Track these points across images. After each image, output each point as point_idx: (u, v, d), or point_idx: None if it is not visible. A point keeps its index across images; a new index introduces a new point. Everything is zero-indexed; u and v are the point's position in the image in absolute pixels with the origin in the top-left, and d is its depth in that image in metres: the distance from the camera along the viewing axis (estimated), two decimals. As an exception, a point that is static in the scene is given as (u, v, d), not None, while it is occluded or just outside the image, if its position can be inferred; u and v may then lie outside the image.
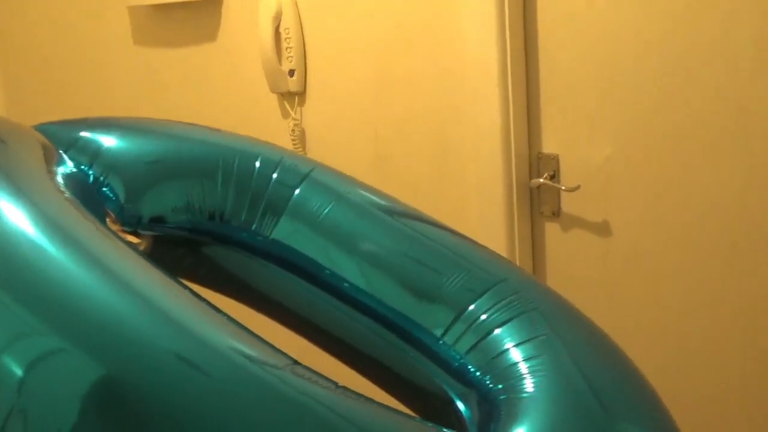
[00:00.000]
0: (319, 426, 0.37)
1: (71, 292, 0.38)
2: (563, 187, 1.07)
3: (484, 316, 0.55)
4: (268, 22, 1.24)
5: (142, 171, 0.61)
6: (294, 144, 1.33)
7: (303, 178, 0.64)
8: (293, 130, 1.33)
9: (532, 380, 0.49)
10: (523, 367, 0.51)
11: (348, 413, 0.38)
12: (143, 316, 0.38)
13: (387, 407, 0.42)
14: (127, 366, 0.35)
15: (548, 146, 1.09)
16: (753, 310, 0.94)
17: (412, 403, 0.65)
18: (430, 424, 0.45)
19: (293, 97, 1.32)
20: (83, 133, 0.62)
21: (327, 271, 0.62)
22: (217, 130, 0.71)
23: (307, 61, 1.29)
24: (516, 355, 0.52)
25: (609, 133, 1.02)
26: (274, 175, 0.63)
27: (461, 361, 0.55)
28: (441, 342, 0.57)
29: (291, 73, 1.28)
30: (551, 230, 1.12)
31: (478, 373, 0.53)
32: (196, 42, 1.46)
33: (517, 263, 1.07)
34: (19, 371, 0.35)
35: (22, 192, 0.45)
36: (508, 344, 0.53)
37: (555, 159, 1.08)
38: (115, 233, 0.49)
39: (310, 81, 1.30)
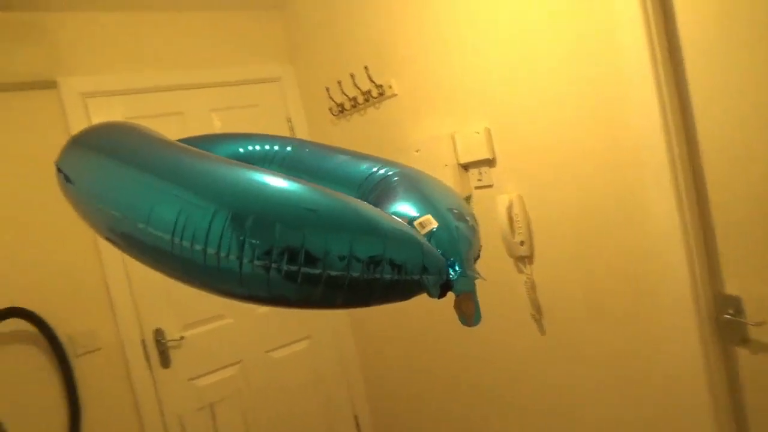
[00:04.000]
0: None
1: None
2: (750, 322, 1.35)
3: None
4: (504, 211, 1.82)
5: None
6: (528, 292, 1.84)
7: None
8: (526, 282, 1.84)
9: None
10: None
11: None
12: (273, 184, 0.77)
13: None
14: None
15: (730, 287, 1.40)
16: None
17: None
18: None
19: (524, 260, 1.85)
20: None
21: None
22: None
23: (532, 234, 1.81)
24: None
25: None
26: None
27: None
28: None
29: (521, 243, 1.82)
30: (741, 356, 1.39)
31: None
32: (454, 224, 2.12)
33: (711, 387, 1.37)
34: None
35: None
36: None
37: (737, 299, 1.38)
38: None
39: (535, 247, 1.81)
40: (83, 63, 2.35)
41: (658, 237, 1.46)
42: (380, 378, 2.84)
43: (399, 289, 0.75)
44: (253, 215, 0.71)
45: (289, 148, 1.18)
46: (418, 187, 0.97)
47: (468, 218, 0.91)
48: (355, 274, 0.71)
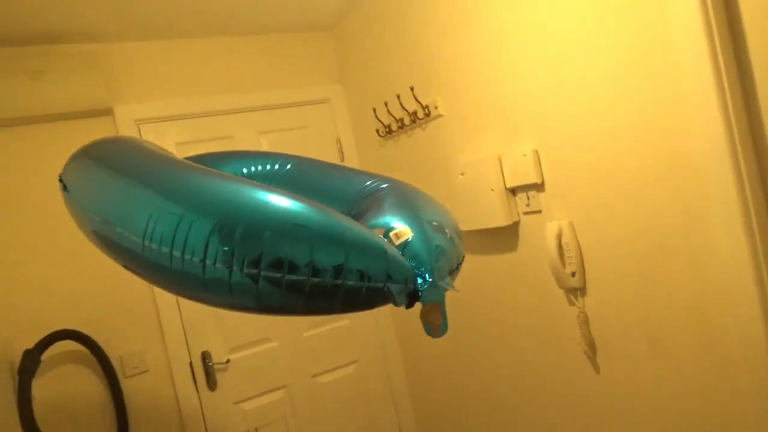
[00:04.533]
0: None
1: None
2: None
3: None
4: (553, 239, 1.70)
5: None
6: (580, 327, 1.70)
7: None
8: (579, 316, 1.71)
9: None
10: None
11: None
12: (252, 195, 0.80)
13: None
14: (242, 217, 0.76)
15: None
16: None
17: None
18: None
19: (576, 291, 1.72)
20: None
21: None
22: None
23: (585, 264, 1.68)
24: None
25: None
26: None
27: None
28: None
29: (573, 273, 1.69)
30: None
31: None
32: (503, 252, 2.01)
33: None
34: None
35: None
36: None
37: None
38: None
39: (588, 278, 1.68)
40: (136, 90, 2.43)
41: (725, 264, 1.30)
42: (428, 403, 2.74)
43: (363, 296, 0.76)
44: (224, 223, 0.75)
45: (288, 166, 1.25)
46: (403, 200, 1.00)
47: (448, 231, 0.92)
48: (316, 280, 0.73)
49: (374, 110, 2.58)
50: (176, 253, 0.75)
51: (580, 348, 1.75)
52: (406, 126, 2.40)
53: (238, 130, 2.62)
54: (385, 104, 2.49)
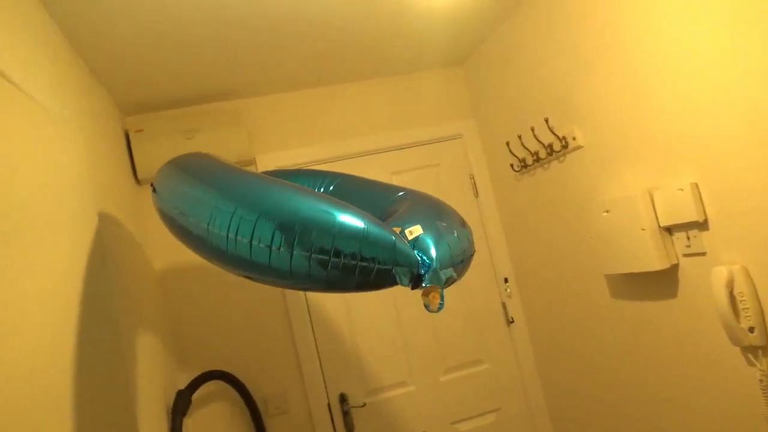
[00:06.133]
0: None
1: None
2: None
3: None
4: (722, 287, 1.45)
5: None
6: (764, 392, 1.41)
7: None
8: (761, 381, 1.42)
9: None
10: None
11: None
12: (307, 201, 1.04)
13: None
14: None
15: None
16: None
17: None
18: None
19: (756, 350, 1.43)
20: None
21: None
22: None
23: (767, 317, 1.40)
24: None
25: None
26: None
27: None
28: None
29: (751, 329, 1.42)
30: None
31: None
32: (660, 298, 1.76)
33: None
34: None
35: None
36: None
37: None
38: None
39: (771, 336, 1.40)
40: (275, 140, 2.56)
41: None
42: (581, 464, 2.48)
43: (374, 275, 0.99)
44: (280, 220, 1.01)
45: (338, 180, 1.67)
46: (420, 205, 1.29)
47: (455, 231, 1.15)
48: (340, 260, 0.98)
49: (508, 144, 2.45)
50: (253, 242, 1.02)
51: (762, 416, 1.45)
52: (542, 159, 2.25)
53: (370, 172, 2.65)
54: (519, 137, 2.36)
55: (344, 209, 1.02)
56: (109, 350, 1.35)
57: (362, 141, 2.66)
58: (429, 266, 1.01)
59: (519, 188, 2.50)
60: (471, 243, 1.19)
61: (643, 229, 1.67)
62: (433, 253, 1.03)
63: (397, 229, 1.06)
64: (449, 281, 1.04)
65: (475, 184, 2.76)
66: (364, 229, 0.99)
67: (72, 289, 1.18)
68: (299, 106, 2.62)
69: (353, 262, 0.97)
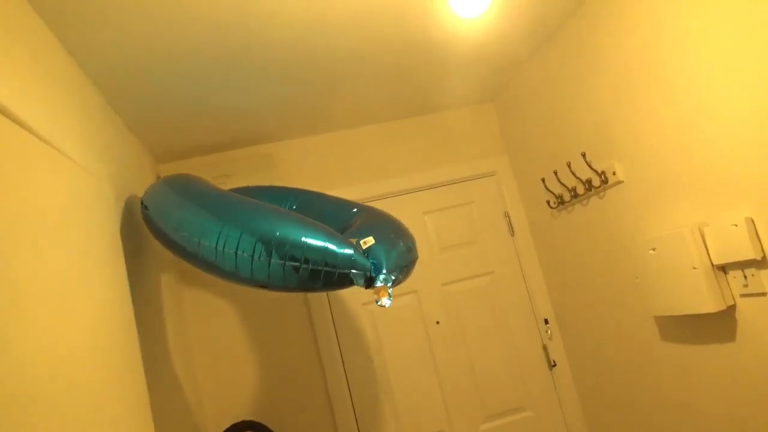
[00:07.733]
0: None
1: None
2: None
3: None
4: (788, 330, 1.33)
5: None
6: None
7: None
8: (839, 435, 1.28)
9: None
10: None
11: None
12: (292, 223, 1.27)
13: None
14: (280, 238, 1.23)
15: None
16: None
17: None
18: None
19: (832, 401, 1.30)
20: None
21: None
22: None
23: (841, 365, 1.27)
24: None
25: None
26: None
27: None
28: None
29: (823, 377, 1.29)
30: None
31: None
32: (715, 342, 1.63)
33: None
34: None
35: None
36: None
37: None
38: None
39: None
40: (308, 182, 2.54)
41: None
42: None
43: (336, 277, 1.20)
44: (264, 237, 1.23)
45: (301, 197, 1.86)
46: (372, 219, 1.54)
47: (401, 241, 1.38)
48: (309, 266, 1.19)
49: (543, 180, 2.38)
50: (238, 252, 1.23)
51: None
52: (580, 195, 2.16)
53: (401, 213, 2.60)
54: (555, 173, 2.28)
55: (311, 226, 1.24)
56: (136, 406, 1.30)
57: (395, 181, 2.62)
58: (379, 270, 1.22)
59: (556, 225, 2.41)
60: (414, 251, 1.44)
61: (694, 268, 1.56)
62: (383, 259, 1.24)
63: (354, 240, 1.25)
64: (396, 282, 1.25)
65: (510, 221, 2.68)
66: (327, 241, 1.21)
67: (100, 353, 1.15)
68: (332, 147, 2.61)
69: (319, 268, 1.18)
